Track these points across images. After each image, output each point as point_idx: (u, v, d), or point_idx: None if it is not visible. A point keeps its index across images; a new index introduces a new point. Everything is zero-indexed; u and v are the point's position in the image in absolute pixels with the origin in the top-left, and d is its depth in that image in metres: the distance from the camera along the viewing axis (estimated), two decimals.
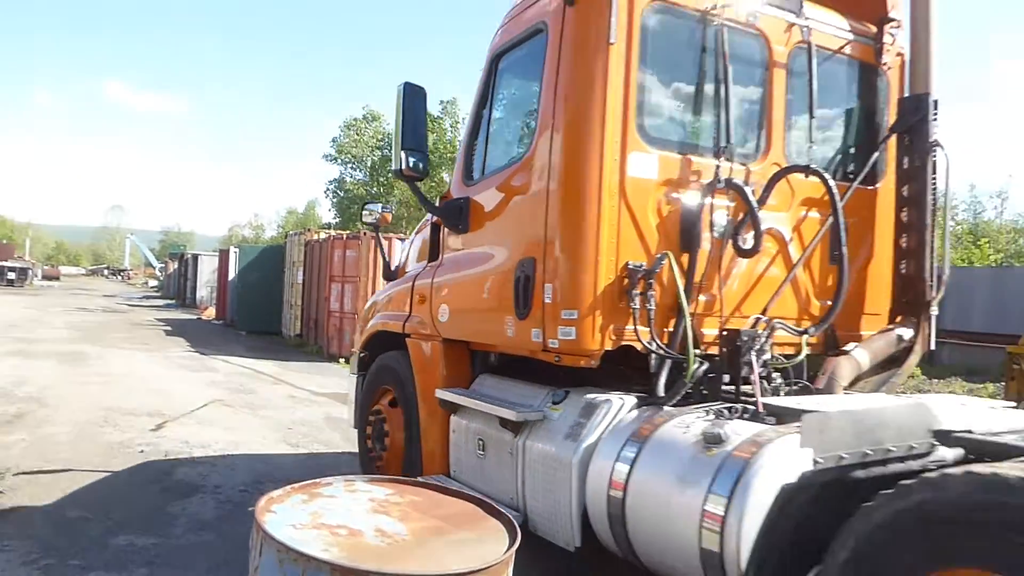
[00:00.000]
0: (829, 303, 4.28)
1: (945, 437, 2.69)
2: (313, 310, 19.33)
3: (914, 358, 4.43)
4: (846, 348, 4.33)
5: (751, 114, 4.31)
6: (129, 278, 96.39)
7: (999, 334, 15.38)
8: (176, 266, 50.12)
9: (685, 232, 3.93)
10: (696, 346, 3.84)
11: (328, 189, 44.23)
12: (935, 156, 4.37)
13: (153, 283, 75.55)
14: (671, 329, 3.89)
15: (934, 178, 4.39)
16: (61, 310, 30.19)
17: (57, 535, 4.94)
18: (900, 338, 4.39)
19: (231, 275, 25.96)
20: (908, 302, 4.48)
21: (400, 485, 2.89)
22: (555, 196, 3.87)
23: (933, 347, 4.52)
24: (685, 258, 3.92)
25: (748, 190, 3.87)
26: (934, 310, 4.44)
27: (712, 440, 3.09)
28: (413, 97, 4.61)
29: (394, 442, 5.29)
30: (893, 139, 4.54)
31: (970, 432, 2.67)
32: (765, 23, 4.21)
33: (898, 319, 4.51)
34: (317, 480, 2.77)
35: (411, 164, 4.59)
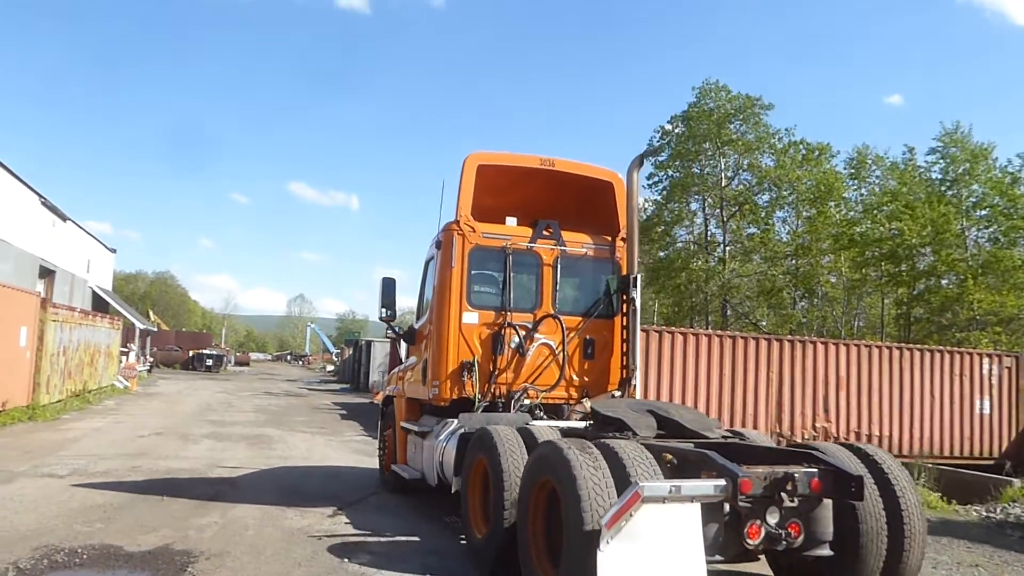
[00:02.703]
0: (586, 379, 9.41)
1: (523, 428, 7.87)
2: None
3: None
4: (582, 400, 9.33)
5: (534, 289, 9.58)
6: (309, 363, 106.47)
7: None
8: (351, 352, 55.84)
9: (493, 347, 9.22)
10: (499, 397, 9.10)
11: None
12: (633, 306, 9.40)
13: (330, 368, 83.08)
14: (485, 390, 9.17)
15: (634, 317, 9.41)
16: (250, 394, 34.48)
17: None
18: (613, 395, 9.35)
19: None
20: (622, 378, 9.46)
21: None
22: (433, 331, 9.38)
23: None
24: (499, 359, 9.16)
25: (518, 327, 9.15)
26: (635, 382, 9.37)
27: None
28: (388, 283, 10.31)
29: (388, 447, 11.01)
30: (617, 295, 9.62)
31: (528, 425, 7.82)
32: (539, 248, 9.52)
33: (617, 387, 9.49)
34: None
35: (387, 315, 10.28)
